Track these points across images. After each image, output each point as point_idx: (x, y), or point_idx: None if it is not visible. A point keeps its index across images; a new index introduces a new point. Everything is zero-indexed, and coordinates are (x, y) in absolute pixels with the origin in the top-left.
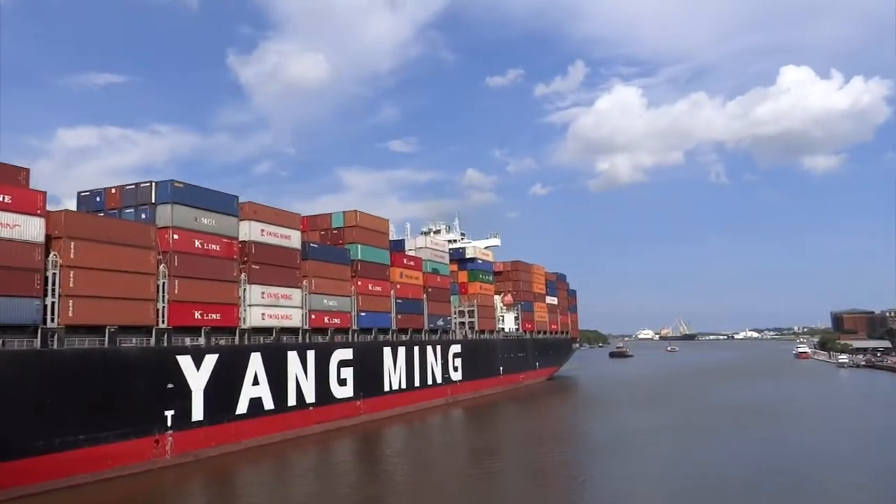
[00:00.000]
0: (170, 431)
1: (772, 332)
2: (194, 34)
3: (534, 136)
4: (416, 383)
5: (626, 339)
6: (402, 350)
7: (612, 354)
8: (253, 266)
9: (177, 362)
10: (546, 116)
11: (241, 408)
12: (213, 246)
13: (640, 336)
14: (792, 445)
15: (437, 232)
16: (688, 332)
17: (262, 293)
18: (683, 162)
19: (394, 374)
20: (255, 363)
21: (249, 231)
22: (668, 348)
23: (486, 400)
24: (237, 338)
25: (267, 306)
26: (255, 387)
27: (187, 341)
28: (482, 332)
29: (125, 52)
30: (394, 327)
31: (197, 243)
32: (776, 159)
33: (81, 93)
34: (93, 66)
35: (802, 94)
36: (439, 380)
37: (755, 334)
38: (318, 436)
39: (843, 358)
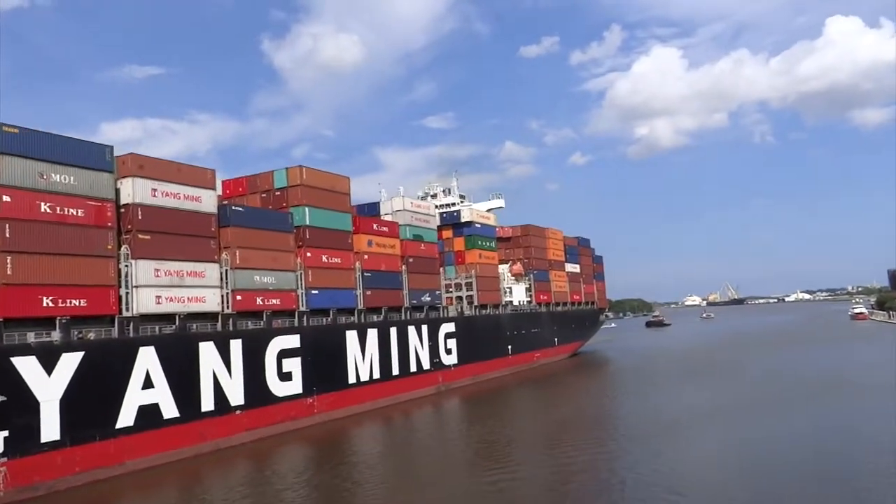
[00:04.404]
0: (2, 459)
1: (824, 294)
2: (228, 22)
3: (571, 105)
4: (395, 371)
5: (673, 306)
6: (372, 333)
7: (649, 324)
8: (140, 236)
9: (12, 366)
10: (583, 84)
11: (126, 419)
12: (73, 210)
13: (687, 303)
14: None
15: (434, 196)
16: (736, 297)
17: (156, 270)
18: (727, 124)
19: (362, 362)
20: (147, 360)
21: (133, 191)
22: (704, 315)
23: (490, 385)
24: (116, 329)
25: (165, 287)
26: (147, 391)
27: (31, 337)
28: (484, 306)
29: (163, 44)
30: (360, 306)
31: (44, 207)
32: (824, 115)
33: (123, 86)
34: (132, 59)
35: (850, 45)
36: (427, 365)
37: (807, 296)
38: (251, 446)
39: None
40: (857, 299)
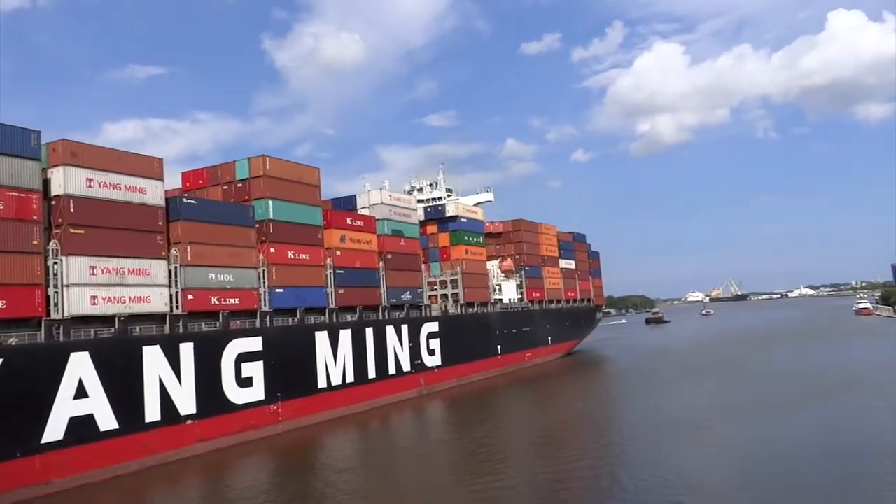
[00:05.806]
0: None
1: (828, 289)
2: (230, 22)
3: (573, 102)
4: (371, 374)
5: (676, 302)
6: (345, 333)
7: (648, 321)
8: (72, 230)
9: None
10: (585, 81)
11: (54, 433)
12: None
13: (690, 299)
14: None
15: (420, 190)
16: (739, 293)
17: (92, 268)
18: (730, 119)
19: (333, 365)
20: (80, 367)
21: (65, 181)
22: (703, 311)
23: (476, 387)
24: (43, 333)
25: (102, 286)
26: (79, 401)
27: None
28: (471, 305)
29: (165, 44)
30: (332, 305)
31: None
32: (826, 110)
33: (124, 87)
34: (134, 59)
35: (853, 39)
36: (407, 367)
37: (811, 292)
38: (205, 458)
39: None
40: (861, 294)
